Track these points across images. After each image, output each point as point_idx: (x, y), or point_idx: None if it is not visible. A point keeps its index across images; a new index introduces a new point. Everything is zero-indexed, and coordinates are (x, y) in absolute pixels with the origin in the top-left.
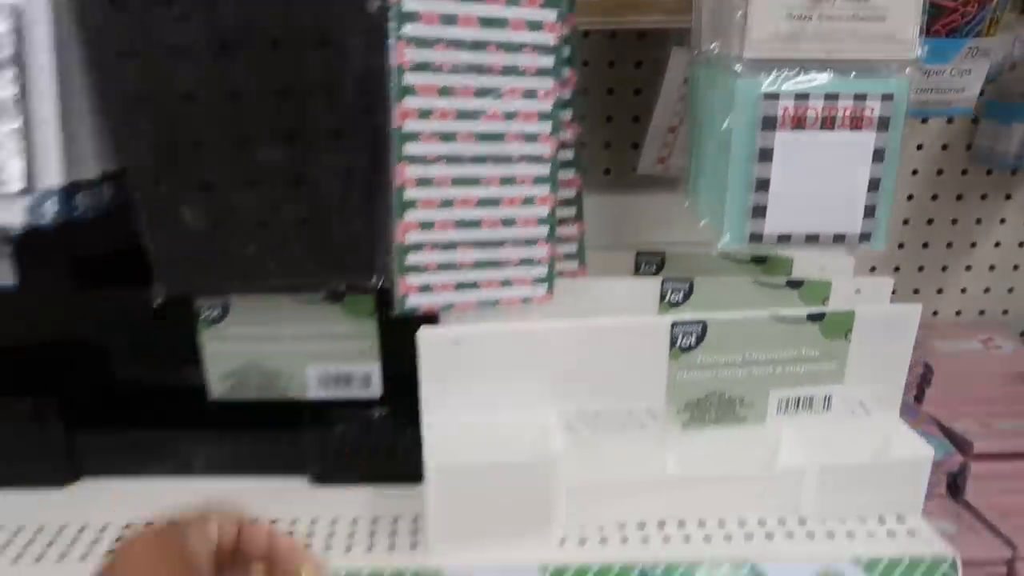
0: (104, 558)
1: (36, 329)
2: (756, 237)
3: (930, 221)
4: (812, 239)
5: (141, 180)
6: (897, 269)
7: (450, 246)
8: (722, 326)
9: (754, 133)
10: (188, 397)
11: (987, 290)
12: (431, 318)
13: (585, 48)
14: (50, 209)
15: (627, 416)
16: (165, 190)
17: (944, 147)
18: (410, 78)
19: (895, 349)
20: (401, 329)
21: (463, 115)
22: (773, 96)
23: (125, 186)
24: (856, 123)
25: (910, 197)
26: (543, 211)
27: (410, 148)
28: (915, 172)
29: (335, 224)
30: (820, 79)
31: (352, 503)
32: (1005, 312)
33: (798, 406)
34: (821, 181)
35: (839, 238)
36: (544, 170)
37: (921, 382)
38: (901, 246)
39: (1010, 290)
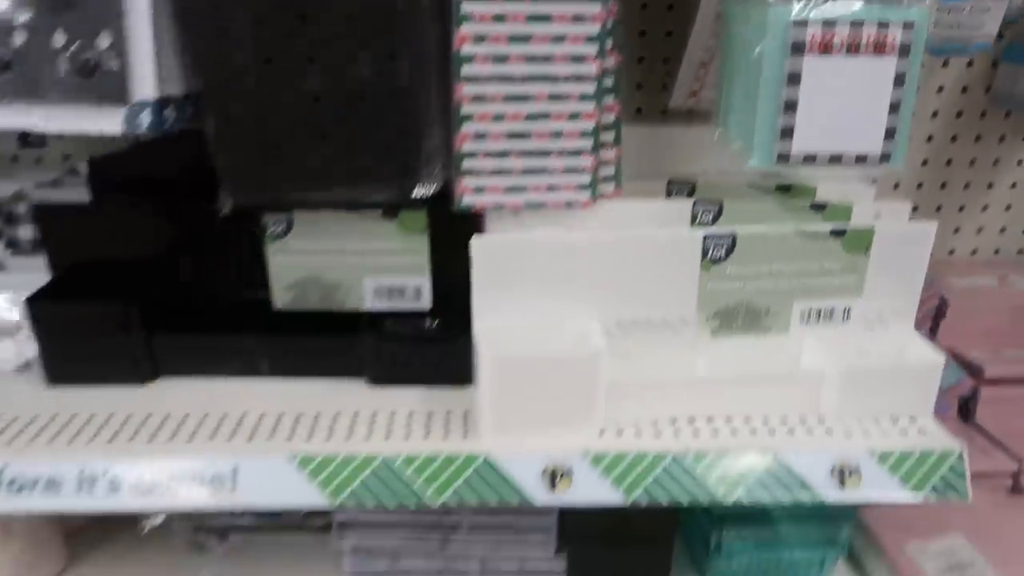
0: None
1: (122, 242)
2: (783, 157)
3: (948, 162)
4: (836, 159)
5: (214, 96)
6: (915, 209)
7: (502, 155)
8: (750, 239)
9: (784, 58)
10: (255, 306)
11: (1003, 230)
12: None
13: None
14: (145, 120)
15: (661, 323)
16: (235, 106)
17: (964, 89)
18: (467, 7)
19: (911, 264)
20: (450, 246)
21: (515, 39)
22: (802, 23)
23: (201, 104)
24: (879, 49)
25: (929, 139)
26: (588, 125)
27: (467, 69)
28: (935, 114)
29: (394, 137)
30: (846, 8)
31: (407, 401)
32: (1020, 251)
33: (819, 317)
34: (845, 104)
35: (861, 158)
36: (590, 88)
37: (936, 315)
38: (920, 186)
39: None
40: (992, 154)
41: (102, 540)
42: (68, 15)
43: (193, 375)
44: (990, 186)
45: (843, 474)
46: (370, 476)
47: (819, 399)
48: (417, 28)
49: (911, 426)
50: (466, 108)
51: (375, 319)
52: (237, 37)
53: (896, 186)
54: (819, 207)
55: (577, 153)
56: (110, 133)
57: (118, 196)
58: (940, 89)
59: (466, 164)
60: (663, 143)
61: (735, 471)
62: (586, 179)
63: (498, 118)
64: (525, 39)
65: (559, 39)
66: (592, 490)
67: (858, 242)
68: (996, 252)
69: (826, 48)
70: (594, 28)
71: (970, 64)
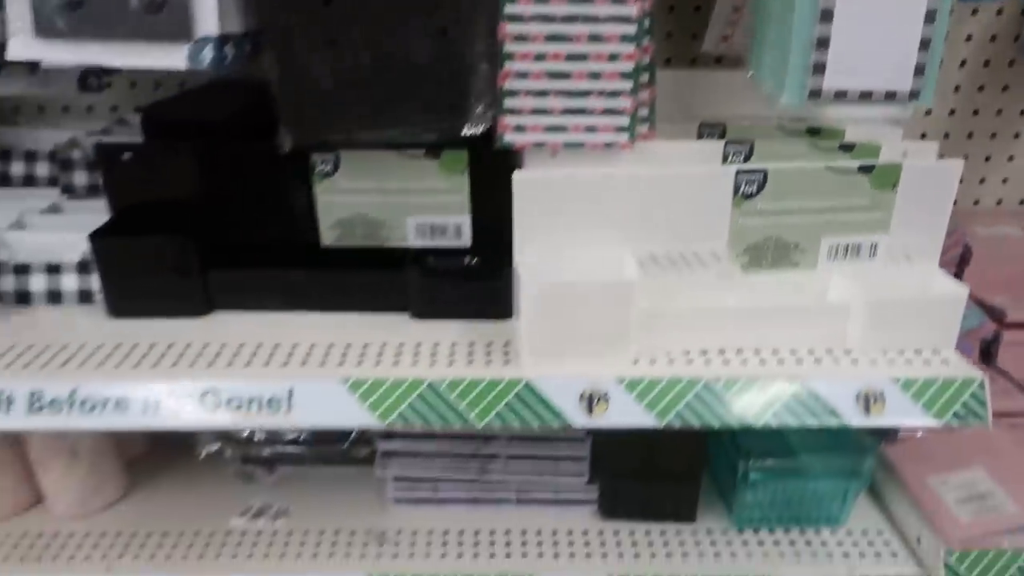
0: None
1: (178, 182)
2: (815, 94)
3: (975, 112)
4: (866, 96)
5: (276, 37)
6: (942, 157)
7: (542, 94)
8: (781, 175)
9: None
10: (304, 243)
11: None
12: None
13: None
14: (207, 56)
15: (694, 258)
16: (297, 46)
17: (992, 38)
18: None
19: (937, 202)
20: (489, 187)
21: None
22: None
23: (265, 44)
24: None
25: (957, 88)
26: (627, 67)
27: (510, 8)
28: (963, 63)
29: (445, 78)
30: None
31: (449, 333)
32: None
33: (847, 253)
34: (876, 41)
35: (891, 95)
36: (630, 29)
37: (960, 262)
38: (947, 136)
39: None
40: (1019, 104)
41: (158, 468)
42: None
43: (246, 309)
44: (1017, 136)
45: (868, 401)
46: (417, 399)
47: (845, 332)
48: None
49: (934, 357)
50: (508, 47)
51: (418, 255)
52: None
53: (923, 136)
54: (847, 147)
55: (616, 94)
56: (174, 68)
57: (174, 139)
58: (968, 38)
59: (508, 102)
60: (694, 87)
61: (764, 397)
62: (624, 121)
63: (539, 57)
64: None
65: None
66: (627, 414)
67: (886, 178)
68: (1021, 203)
69: None
70: None
71: (999, 13)
